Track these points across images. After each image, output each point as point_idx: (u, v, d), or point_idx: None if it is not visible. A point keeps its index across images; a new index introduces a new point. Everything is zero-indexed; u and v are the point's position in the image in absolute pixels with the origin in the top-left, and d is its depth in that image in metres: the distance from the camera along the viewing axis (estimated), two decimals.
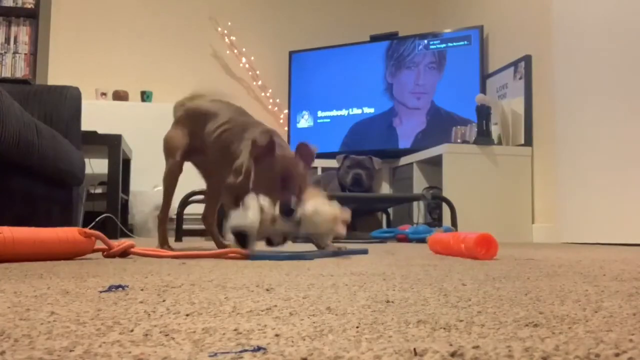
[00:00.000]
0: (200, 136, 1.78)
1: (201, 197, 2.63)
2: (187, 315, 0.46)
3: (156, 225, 1.94)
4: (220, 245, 1.86)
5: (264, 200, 1.34)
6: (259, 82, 5.15)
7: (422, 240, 2.79)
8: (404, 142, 4.59)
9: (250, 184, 1.48)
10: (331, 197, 1.48)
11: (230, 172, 1.62)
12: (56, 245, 1.19)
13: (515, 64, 4.02)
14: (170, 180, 1.83)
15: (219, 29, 5.10)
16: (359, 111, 4.78)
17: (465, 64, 4.41)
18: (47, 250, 1.17)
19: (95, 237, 1.26)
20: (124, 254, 1.30)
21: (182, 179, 1.87)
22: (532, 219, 3.83)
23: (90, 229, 1.30)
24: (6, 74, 4.52)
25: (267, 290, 0.65)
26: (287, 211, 1.35)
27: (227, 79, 5.14)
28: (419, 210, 4.14)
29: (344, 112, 4.82)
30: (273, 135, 1.50)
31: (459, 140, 4.09)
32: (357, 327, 0.41)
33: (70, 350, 0.32)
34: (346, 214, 1.44)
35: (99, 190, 3.87)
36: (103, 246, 1.29)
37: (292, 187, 1.43)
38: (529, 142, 3.87)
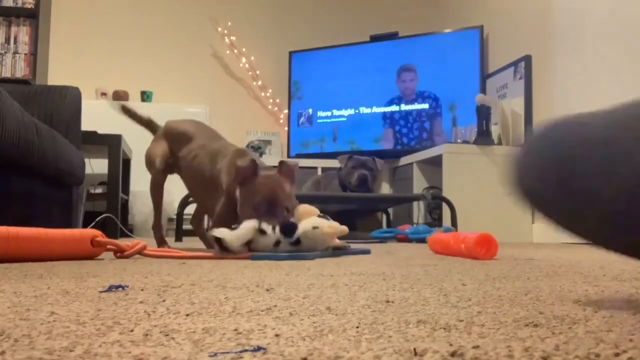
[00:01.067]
0: (176, 155, 1.84)
1: None
2: (187, 315, 0.46)
3: None
4: (209, 246, 1.87)
5: (265, 224, 1.33)
6: (259, 82, 5.15)
7: (422, 240, 2.78)
8: (404, 142, 4.59)
9: (237, 209, 1.49)
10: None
11: (208, 199, 1.65)
12: (64, 249, 1.19)
13: (515, 64, 4.02)
14: (155, 191, 1.87)
15: (219, 29, 5.10)
16: (359, 111, 4.78)
17: (465, 64, 4.41)
18: (55, 254, 1.17)
19: (107, 245, 1.26)
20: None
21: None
22: (532, 219, 3.83)
23: (90, 229, 1.29)
24: (6, 74, 4.52)
25: (267, 290, 0.65)
26: (288, 230, 1.33)
27: (227, 79, 5.14)
28: (419, 210, 4.14)
29: (344, 112, 4.82)
30: (253, 157, 1.52)
31: (459, 140, 4.08)
32: (357, 327, 0.41)
33: (70, 350, 0.32)
34: (343, 227, 1.43)
35: (99, 190, 3.87)
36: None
37: (278, 208, 1.44)
38: None
